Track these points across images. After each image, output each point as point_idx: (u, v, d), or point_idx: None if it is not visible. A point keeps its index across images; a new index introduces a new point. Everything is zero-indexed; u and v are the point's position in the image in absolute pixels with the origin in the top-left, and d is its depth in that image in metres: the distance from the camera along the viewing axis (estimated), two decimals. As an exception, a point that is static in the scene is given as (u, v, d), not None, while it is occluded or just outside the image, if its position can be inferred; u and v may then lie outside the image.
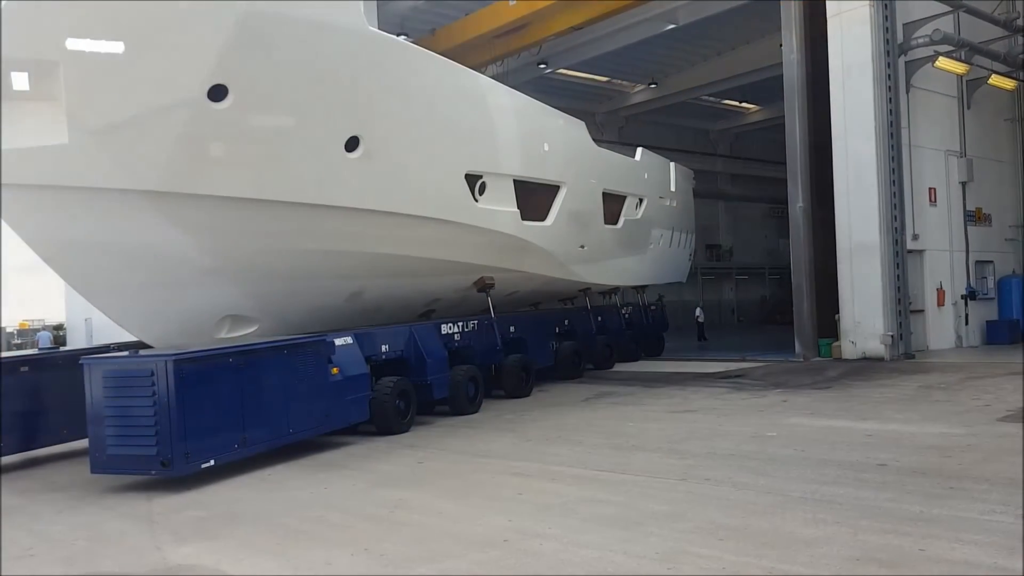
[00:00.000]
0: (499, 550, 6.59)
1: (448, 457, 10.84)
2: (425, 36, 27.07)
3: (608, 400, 15.48)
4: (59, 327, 38.43)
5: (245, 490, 9.47)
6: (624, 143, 32.10)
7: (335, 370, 11.79)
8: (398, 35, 23.36)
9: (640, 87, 36.92)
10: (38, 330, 41.14)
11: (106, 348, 12.87)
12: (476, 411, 14.62)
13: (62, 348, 22.19)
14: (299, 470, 10.42)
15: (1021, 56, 22.82)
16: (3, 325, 37.45)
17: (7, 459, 11.84)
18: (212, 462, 9.90)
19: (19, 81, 9.14)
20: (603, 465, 9.57)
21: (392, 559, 6.55)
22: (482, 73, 18.30)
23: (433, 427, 13.25)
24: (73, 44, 9.16)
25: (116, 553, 7.30)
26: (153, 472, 9.62)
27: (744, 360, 21.51)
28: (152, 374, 9.50)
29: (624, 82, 36.74)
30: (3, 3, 8.84)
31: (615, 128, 38.62)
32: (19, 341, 39.87)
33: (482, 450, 11.17)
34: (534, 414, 14.06)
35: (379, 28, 14.27)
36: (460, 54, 23.61)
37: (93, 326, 30.98)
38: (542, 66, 31.41)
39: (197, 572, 6.63)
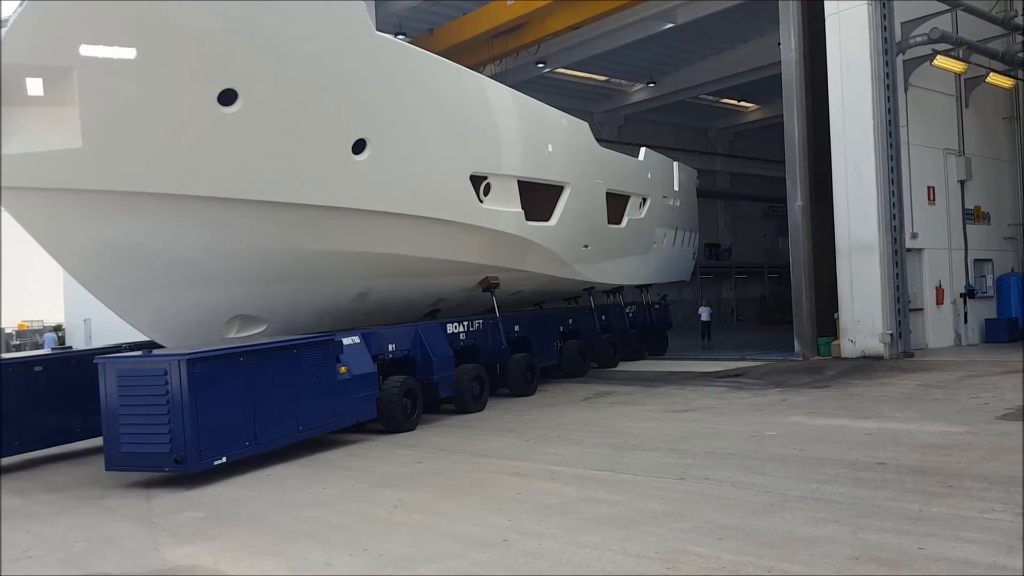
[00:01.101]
0: (499, 550, 6.58)
1: (447, 457, 10.83)
2: (423, 36, 27.08)
3: (608, 400, 15.48)
4: (58, 328, 38.44)
5: (244, 490, 9.46)
6: (623, 142, 32.13)
7: (343, 369, 11.97)
8: (396, 35, 23.41)
9: (638, 86, 36.93)
10: (37, 331, 41.14)
11: (117, 348, 13.07)
12: (482, 409, 14.73)
13: (73, 348, 22.28)
14: (298, 470, 10.42)
15: (1019, 54, 22.82)
16: (2, 326, 37.47)
17: (5, 460, 11.85)
18: (224, 459, 10.04)
19: (33, 86, 9.29)
20: (602, 465, 9.57)
21: (391, 559, 6.54)
22: (480, 72, 18.33)
23: (432, 427, 13.25)
24: (87, 50, 9.31)
25: (115, 554, 7.29)
26: (167, 469, 9.82)
27: (743, 359, 21.50)
28: (165, 373, 9.72)
29: (622, 81, 36.75)
30: (21, 7, 8.98)
31: (614, 127, 38.63)
32: (18, 342, 39.86)
33: (481, 450, 11.17)
34: (533, 414, 14.06)
35: (376, 28, 14.31)
36: (458, 54, 23.62)
37: (92, 327, 31.03)
38: (540, 65, 31.42)
39: (196, 573, 6.62)
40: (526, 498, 8.21)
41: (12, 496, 9.95)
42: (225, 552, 7.06)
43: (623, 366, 21.50)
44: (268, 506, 8.65)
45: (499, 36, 26.65)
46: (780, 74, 22.37)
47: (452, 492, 8.74)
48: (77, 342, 31.99)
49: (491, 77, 18.00)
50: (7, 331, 39.49)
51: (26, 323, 41.93)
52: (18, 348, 37.66)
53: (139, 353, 11.32)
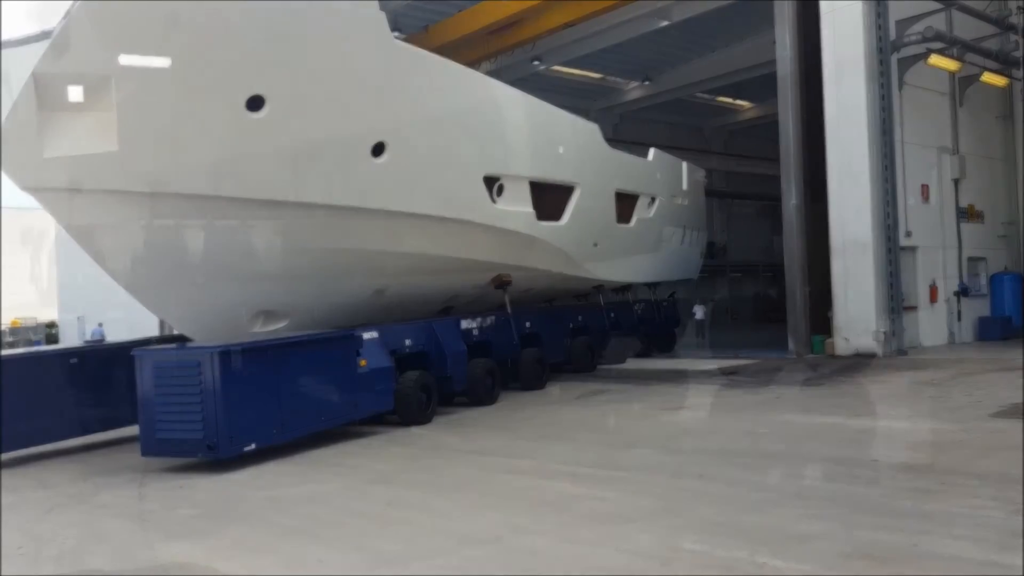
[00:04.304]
0: (492, 547, 6.58)
1: (441, 455, 10.83)
2: (418, 33, 27.00)
3: (602, 397, 15.48)
4: (51, 325, 38.40)
5: (237, 488, 9.45)
6: (619, 140, 32.08)
7: (363, 362, 12.41)
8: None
9: (634, 84, 36.88)
10: (30, 328, 41.06)
11: (147, 341, 13.60)
12: (493, 403, 14.98)
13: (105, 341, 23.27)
14: (292, 467, 10.41)
15: (1013, 53, 22.86)
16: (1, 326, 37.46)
17: (37, 449, 12.08)
18: (253, 446, 10.57)
19: (74, 94, 9.93)
20: (596, 462, 9.57)
21: (385, 556, 6.53)
22: (476, 70, 18.36)
23: (428, 425, 13.24)
24: (125, 60, 9.87)
25: (107, 551, 7.27)
26: (200, 455, 10.48)
27: (738, 357, 21.50)
28: (199, 365, 10.31)
29: (618, 79, 36.70)
30: (72, 13, 9.47)
31: (609, 125, 38.45)
32: (11, 339, 39.77)
33: (476, 447, 11.17)
34: (529, 411, 14.07)
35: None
36: (453, 51, 23.56)
37: (86, 324, 31.02)
38: (536, 63, 31.36)
39: (189, 570, 6.60)
40: (520, 495, 8.22)
41: (5, 493, 9.90)
42: (218, 549, 7.05)
43: (629, 363, 21.55)
44: (261, 503, 8.64)
45: (494, 33, 26.58)
46: (775, 72, 22.35)
47: (446, 489, 8.74)
48: (71, 339, 32.05)
49: (487, 74, 18.13)
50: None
51: (19, 320, 41.82)
52: (12, 345, 37.58)
53: (174, 346, 11.84)
